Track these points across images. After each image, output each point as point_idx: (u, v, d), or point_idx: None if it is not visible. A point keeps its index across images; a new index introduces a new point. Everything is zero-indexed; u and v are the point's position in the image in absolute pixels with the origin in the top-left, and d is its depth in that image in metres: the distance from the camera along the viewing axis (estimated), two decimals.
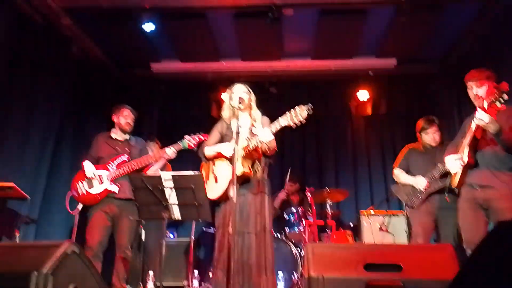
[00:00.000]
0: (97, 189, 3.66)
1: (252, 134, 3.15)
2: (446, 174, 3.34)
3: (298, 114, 2.83)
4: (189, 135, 3.68)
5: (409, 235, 4.59)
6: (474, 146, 2.96)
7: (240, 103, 3.07)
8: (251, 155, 3.13)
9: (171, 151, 3.71)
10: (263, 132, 2.92)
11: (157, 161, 3.82)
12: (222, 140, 3.32)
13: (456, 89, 5.34)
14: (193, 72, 6.15)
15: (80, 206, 3.70)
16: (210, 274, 4.37)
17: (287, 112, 2.89)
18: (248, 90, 3.31)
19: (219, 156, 3.23)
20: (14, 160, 4.21)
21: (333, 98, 6.46)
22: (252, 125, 3.19)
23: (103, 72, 5.73)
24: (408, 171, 3.87)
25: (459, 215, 3.05)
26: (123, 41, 5.35)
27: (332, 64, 6.00)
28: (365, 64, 6.02)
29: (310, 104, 2.85)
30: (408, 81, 6.25)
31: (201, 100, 6.43)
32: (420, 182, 3.65)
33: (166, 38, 5.42)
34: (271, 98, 5.97)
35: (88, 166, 3.73)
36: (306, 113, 2.83)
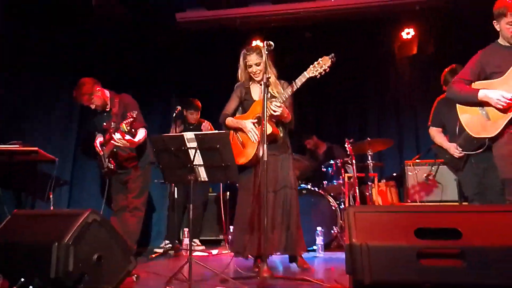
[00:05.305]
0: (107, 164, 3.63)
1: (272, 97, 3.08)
2: None
3: (322, 65, 2.85)
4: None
5: (460, 185, 4.20)
6: None
7: (255, 75, 3.11)
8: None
9: (116, 137, 3.39)
10: (273, 105, 2.92)
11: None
12: (241, 105, 3.27)
13: None
14: (221, 19, 5.76)
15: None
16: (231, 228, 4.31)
17: (310, 65, 2.90)
18: (261, 57, 3.08)
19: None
20: (41, 124, 4.23)
21: (374, 39, 5.95)
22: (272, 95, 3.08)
23: (125, 23, 5.45)
24: (444, 127, 3.50)
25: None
26: None
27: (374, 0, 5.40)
28: None
29: (333, 54, 2.86)
30: (461, 16, 5.56)
31: (230, 52, 6.07)
32: (452, 150, 3.27)
33: None
34: (307, 43, 5.54)
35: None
36: (330, 62, 2.85)
